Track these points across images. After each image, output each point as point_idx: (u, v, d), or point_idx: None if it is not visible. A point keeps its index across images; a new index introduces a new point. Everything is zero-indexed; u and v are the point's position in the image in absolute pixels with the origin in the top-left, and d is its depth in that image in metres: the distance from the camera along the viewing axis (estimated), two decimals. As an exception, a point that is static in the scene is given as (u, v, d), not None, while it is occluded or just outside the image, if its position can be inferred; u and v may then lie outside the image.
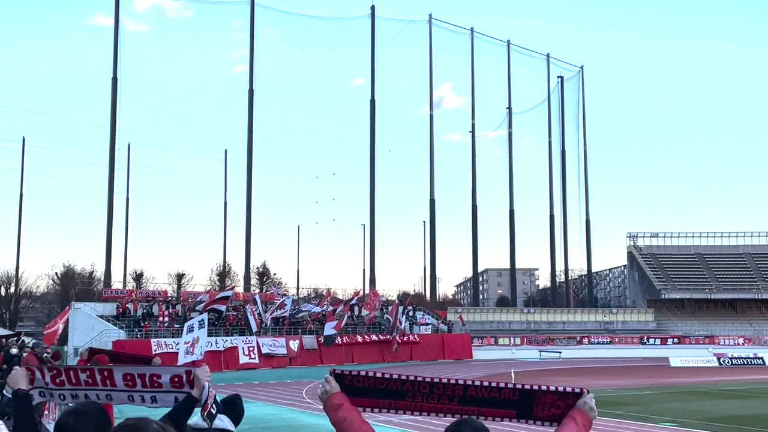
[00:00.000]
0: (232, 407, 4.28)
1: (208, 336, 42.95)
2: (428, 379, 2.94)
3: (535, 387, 2.93)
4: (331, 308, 51.78)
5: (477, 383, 2.93)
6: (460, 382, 2.94)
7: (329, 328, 47.75)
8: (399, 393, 2.94)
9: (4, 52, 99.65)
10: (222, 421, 3.77)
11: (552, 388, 2.93)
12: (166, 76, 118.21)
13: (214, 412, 3.52)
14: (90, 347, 12.41)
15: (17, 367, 3.49)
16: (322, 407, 2.96)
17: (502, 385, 2.93)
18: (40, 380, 3.40)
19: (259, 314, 48.18)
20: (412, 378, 2.94)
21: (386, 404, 2.96)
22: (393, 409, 2.97)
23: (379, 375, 2.94)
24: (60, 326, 29.81)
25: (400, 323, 52.69)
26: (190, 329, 18.32)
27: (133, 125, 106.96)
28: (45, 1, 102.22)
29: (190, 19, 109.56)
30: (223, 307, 46.22)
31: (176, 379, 3.30)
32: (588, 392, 2.92)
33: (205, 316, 19.85)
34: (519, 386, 2.93)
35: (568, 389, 2.92)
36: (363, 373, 2.95)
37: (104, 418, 3.10)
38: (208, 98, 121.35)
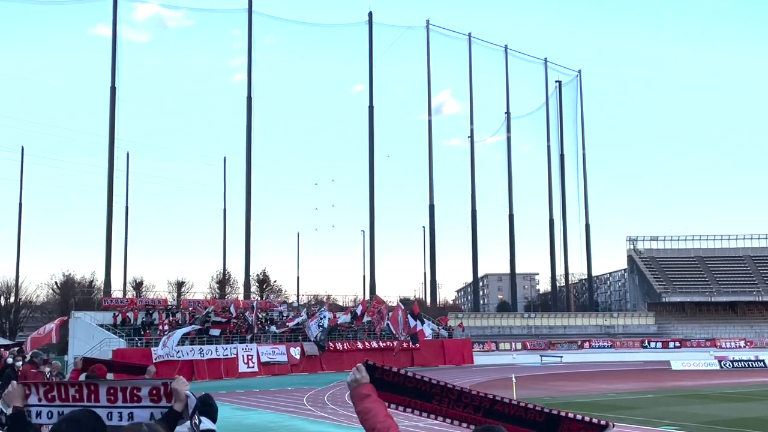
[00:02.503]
0: (207, 408, 4.35)
1: (208, 344, 43.27)
2: (458, 387, 3.00)
3: (562, 413, 3.00)
4: (330, 315, 51.55)
5: (506, 400, 2.99)
6: (489, 395, 2.99)
7: (314, 327, 47.88)
8: (426, 395, 3.00)
9: (4, 62, 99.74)
10: (204, 423, 3.83)
11: (579, 417, 3.00)
12: (166, 85, 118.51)
13: (197, 420, 3.63)
14: (84, 357, 12.35)
15: (14, 383, 3.52)
16: (349, 394, 3.02)
17: (530, 406, 3.00)
18: (35, 396, 3.46)
19: (256, 319, 48.28)
20: (442, 383, 3.00)
21: (412, 403, 3.01)
22: (417, 410, 3.02)
23: (410, 374, 3.00)
24: (53, 335, 29.48)
25: (407, 326, 52.44)
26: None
27: (132, 134, 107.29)
28: (46, 11, 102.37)
29: (191, 28, 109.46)
30: (217, 332, 45.78)
31: (155, 392, 3.36)
32: (613, 425, 3.01)
33: (191, 327, 20.03)
34: (546, 410, 3.00)
35: (594, 420, 3.00)
36: (395, 369, 3.02)
37: (97, 424, 3.12)
38: (207, 106, 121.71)
